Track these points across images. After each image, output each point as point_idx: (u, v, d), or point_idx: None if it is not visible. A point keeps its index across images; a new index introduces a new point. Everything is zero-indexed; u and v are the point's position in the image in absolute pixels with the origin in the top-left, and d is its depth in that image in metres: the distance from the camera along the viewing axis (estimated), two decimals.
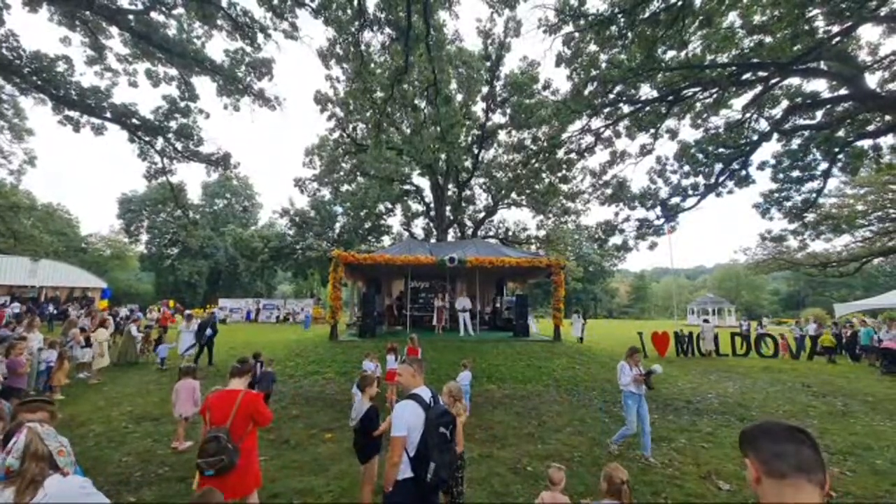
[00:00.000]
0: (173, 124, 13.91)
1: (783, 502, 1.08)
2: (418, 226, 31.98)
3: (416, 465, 2.62)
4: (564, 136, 14.91)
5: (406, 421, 2.67)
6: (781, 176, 13.43)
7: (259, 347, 9.88)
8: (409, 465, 2.65)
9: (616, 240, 15.40)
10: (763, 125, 13.18)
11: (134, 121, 13.15)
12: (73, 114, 12.67)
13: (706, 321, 17.49)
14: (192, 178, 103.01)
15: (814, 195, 13.42)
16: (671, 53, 11.76)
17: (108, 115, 12.81)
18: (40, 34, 15.97)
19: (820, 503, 1.07)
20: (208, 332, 12.24)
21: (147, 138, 13.82)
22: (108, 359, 11.01)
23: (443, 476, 2.56)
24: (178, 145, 14.27)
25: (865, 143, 12.14)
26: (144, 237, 51.95)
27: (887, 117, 11.06)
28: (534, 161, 18.36)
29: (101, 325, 11.96)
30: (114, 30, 12.17)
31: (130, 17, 11.67)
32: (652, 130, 13.84)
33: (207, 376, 9.98)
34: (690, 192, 13.64)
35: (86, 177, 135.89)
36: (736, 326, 26.57)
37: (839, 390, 10.10)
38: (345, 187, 29.90)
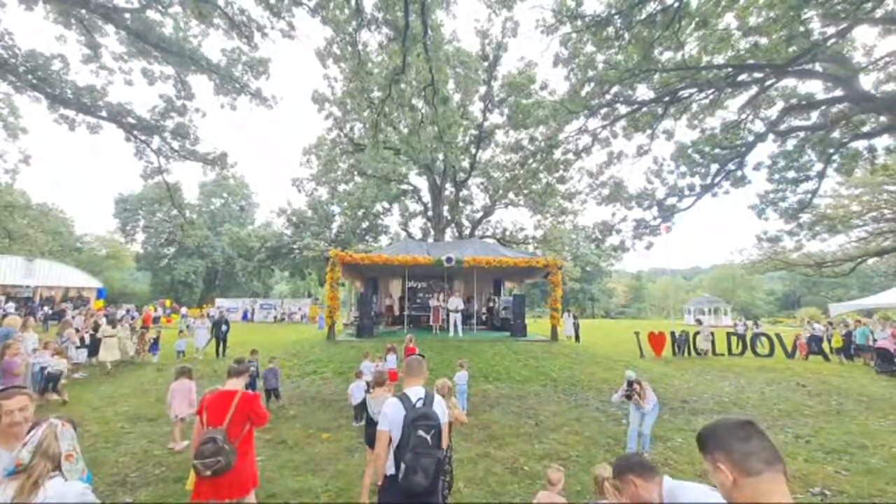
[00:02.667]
0: (169, 123, 13.83)
1: (763, 501, 1.08)
2: (416, 226, 32.00)
3: (396, 463, 2.64)
4: (561, 136, 14.93)
5: (387, 417, 2.70)
6: (777, 177, 13.50)
7: (256, 347, 9.85)
8: (393, 463, 2.66)
9: (613, 240, 15.45)
10: (759, 126, 13.26)
11: (130, 119, 13.06)
12: (69, 112, 12.58)
13: (699, 321, 17.55)
14: (188, 177, 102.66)
15: (809, 196, 13.49)
16: (668, 54, 11.80)
17: (104, 113, 12.72)
18: (36, 32, 15.88)
19: (786, 492, 1.11)
20: (223, 327, 14.26)
21: (143, 137, 13.73)
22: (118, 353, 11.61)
23: (418, 481, 2.48)
24: (175, 144, 14.19)
25: (860, 144, 12.23)
26: (140, 237, 51.67)
27: (882, 118, 11.14)
28: (531, 161, 18.36)
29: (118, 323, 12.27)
30: (109, 28, 12.09)
31: (126, 15, 11.59)
32: (649, 131, 13.88)
33: (203, 376, 9.95)
34: (687, 192, 13.70)
35: (81, 176, 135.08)
36: (731, 326, 26.67)
37: (834, 389, 10.17)
38: (342, 187, 29.85)
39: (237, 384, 3.37)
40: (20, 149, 28.01)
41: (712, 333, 16.29)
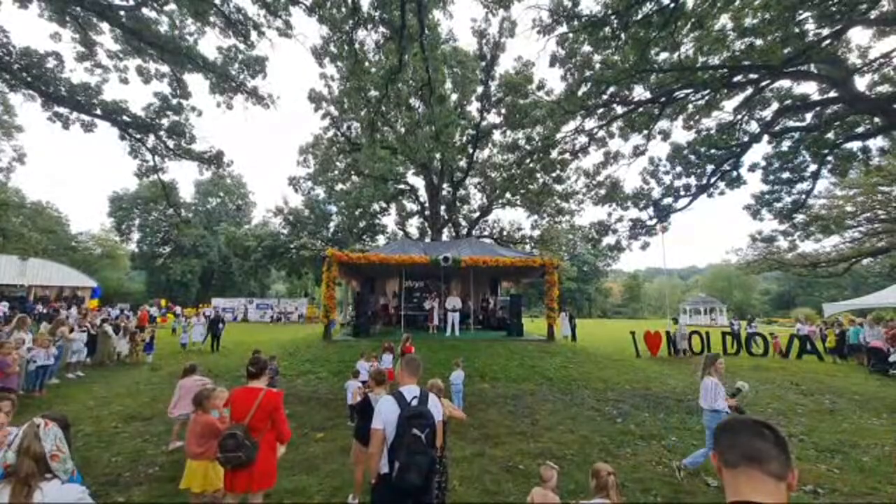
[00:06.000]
0: (165, 122, 13.78)
1: (737, 491, 1.13)
2: (413, 225, 31.99)
3: (390, 461, 2.64)
4: (558, 136, 14.98)
5: (381, 415, 2.70)
6: (772, 177, 13.59)
7: (253, 346, 9.84)
8: (387, 461, 2.66)
9: (609, 240, 15.52)
10: (754, 127, 13.33)
11: (124, 118, 12.99)
12: (63, 110, 12.49)
13: (675, 320, 17.42)
14: (184, 176, 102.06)
15: (803, 196, 13.59)
16: (664, 55, 11.85)
17: (99, 111, 12.65)
18: (30, 30, 15.76)
19: (771, 492, 1.09)
20: (220, 325, 15.85)
21: (138, 136, 13.66)
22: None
23: (411, 479, 2.48)
24: (170, 143, 14.12)
25: (854, 146, 12.32)
26: (136, 236, 51.32)
27: (876, 119, 11.22)
28: (528, 161, 18.44)
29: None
30: (105, 26, 12.04)
31: (122, 13, 11.54)
32: (645, 131, 13.94)
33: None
34: (682, 192, 13.78)
35: (76, 174, 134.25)
36: (727, 326, 26.79)
37: (827, 388, 10.23)
38: (339, 186, 29.81)
39: (260, 383, 3.47)
40: (15, 147, 27.91)
41: (692, 333, 16.20)
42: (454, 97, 21.83)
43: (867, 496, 4.64)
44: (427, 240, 25.06)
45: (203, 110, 14.91)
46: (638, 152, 14.81)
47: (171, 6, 11.95)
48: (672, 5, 9.23)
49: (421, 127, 17.19)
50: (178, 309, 32.90)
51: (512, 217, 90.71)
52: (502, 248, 19.30)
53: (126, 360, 12.92)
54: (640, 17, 9.82)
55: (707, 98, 12.82)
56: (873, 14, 9.43)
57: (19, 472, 1.64)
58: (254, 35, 12.14)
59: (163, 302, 35.14)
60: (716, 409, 4.97)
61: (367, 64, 12.62)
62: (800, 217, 15.15)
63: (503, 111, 22.36)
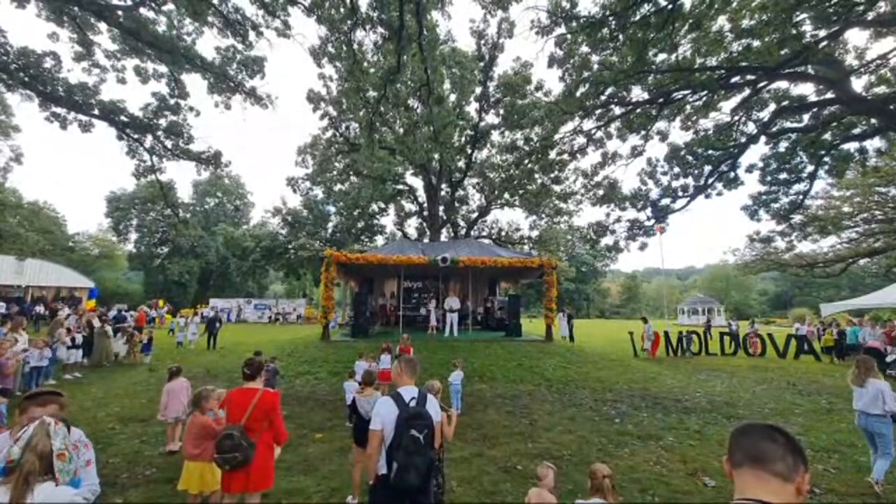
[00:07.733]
0: (163, 122, 13.73)
1: (741, 490, 1.15)
2: (411, 226, 31.95)
3: (389, 462, 2.64)
4: (557, 136, 14.99)
5: (380, 416, 2.70)
6: (769, 178, 13.62)
7: (252, 347, 9.81)
8: (385, 462, 2.67)
9: (607, 240, 15.51)
10: (751, 128, 13.37)
11: (122, 118, 12.94)
12: (60, 111, 12.43)
13: (644, 319, 17.34)
14: (182, 176, 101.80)
15: (800, 197, 13.63)
16: (662, 56, 11.87)
17: (96, 112, 12.59)
18: (28, 29, 15.74)
19: (776, 491, 1.10)
20: (217, 324, 16.76)
21: (136, 136, 13.62)
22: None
23: (410, 480, 2.50)
24: (168, 143, 14.08)
25: (851, 146, 12.36)
26: (133, 236, 51.13)
27: (873, 120, 11.27)
28: (526, 162, 18.47)
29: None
30: (102, 26, 11.99)
31: (119, 12, 11.50)
32: (643, 132, 13.96)
33: (195, 377, 9.88)
34: (680, 193, 13.78)
35: (73, 174, 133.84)
36: (725, 326, 26.83)
37: (824, 388, 10.26)
38: (338, 187, 29.76)
39: (256, 384, 3.48)
40: (12, 147, 27.81)
41: (655, 333, 16.23)
42: (453, 98, 21.82)
43: (864, 496, 4.66)
44: (425, 240, 25.04)
45: (201, 110, 14.85)
46: (636, 153, 14.83)
47: (169, 6, 11.91)
48: (670, 6, 9.25)
49: (419, 127, 17.18)
50: (164, 310, 32.76)
51: (510, 217, 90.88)
52: (501, 249, 19.31)
53: (124, 360, 12.89)
54: (638, 18, 9.83)
55: (705, 99, 12.85)
56: (870, 15, 9.47)
57: (22, 467, 1.62)
58: (252, 35, 12.11)
59: (160, 303, 35.06)
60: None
61: (365, 64, 12.62)
62: (797, 218, 15.22)
63: (502, 112, 22.37)
